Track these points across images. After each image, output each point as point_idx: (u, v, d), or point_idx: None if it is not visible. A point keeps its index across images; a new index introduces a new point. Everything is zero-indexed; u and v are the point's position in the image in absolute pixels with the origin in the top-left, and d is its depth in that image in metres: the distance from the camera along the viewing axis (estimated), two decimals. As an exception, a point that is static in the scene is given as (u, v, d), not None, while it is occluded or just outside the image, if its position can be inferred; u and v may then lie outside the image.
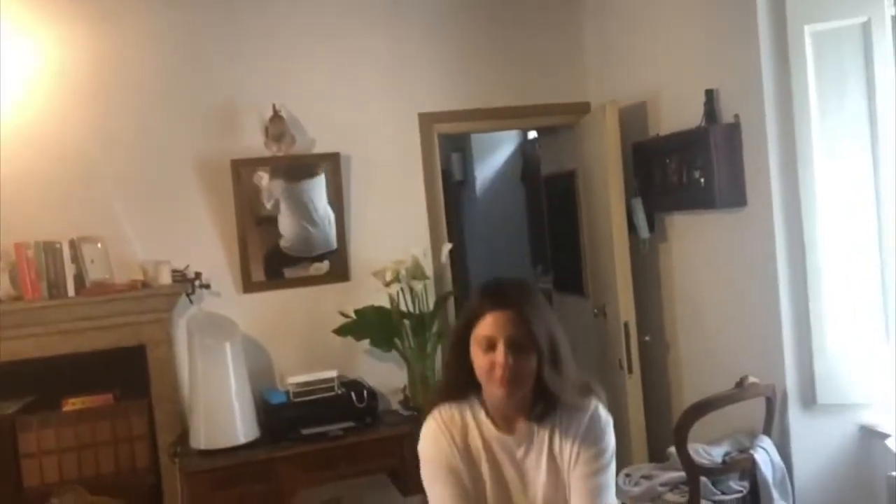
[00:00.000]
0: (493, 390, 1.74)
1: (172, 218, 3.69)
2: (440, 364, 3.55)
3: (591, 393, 1.83)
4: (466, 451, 1.80)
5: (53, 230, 3.41)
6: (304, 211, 3.84)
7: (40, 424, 3.45)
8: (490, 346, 1.71)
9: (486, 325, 1.72)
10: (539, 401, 1.78)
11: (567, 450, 1.77)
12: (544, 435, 1.79)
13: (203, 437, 3.37)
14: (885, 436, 2.76)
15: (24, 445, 3.43)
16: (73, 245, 3.42)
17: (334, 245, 3.87)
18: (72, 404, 3.50)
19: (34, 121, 3.48)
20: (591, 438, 1.77)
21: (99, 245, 3.50)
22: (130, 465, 3.54)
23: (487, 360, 1.71)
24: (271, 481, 3.35)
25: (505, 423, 1.80)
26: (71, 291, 3.40)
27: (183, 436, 3.55)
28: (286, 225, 3.83)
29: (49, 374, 3.50)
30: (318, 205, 3.85)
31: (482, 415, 1.81)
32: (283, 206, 3.81)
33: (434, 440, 1.82)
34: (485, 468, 1.80)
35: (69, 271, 3.40)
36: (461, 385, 1.81)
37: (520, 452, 1.80)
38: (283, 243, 3.82)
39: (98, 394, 3.55)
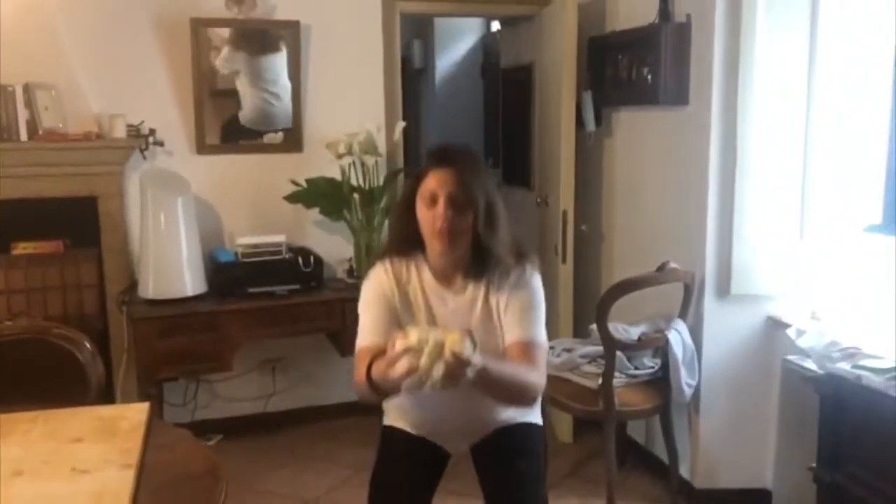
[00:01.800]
0: (434, 243, 1.92)
1: (128, 73, 3.68)
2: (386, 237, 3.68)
3: (525, 258, 2.01)
4: (404, 294, 1.98)
5: (4, 74, 3.38)
6: (265, 84, 3.85)
7: (-11, 264, 3.50)
8: (433, 201, 1.88)
9: (430, 182, 1.90)
10: (476, 260, 1.95)
11: (499, 298, 1.95)
12: (479, 289, 1.97)
13: (151, 287, 3.47)
14: (787, 325, 3.01)
15: (-28, 283, 3.47)
16: (27, 90, 3.41)
17: (291, 122, 3.93)
18: (22, 248, 3.55)
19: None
20: (521, 286, 1.96)
21: (53, 93, 3.49)
22: (79, 311, 3.62)
23: (430, 215, 1.89)
24: (216, 333, 3.47)
25: (444, 279, 1.98)
26: (24, 136, 3.41)
27: (131, 287, 3.67)
28: (247, 97, 3.85)
29: (-2, 217, 3.54)
30: (279, 78, 3.88)
31: (425, 268, 1.99)
32: (243, 79, 3.82)
33: (377, 277, 2.01)
34: (420, 311, 1.98)
35: (22, 116, 3.40)
36: (407, 241, 1.99)
37: (454, 302, 1.98)
38: (242, 117, 3.86)
39: (48, 240, 3.60)
